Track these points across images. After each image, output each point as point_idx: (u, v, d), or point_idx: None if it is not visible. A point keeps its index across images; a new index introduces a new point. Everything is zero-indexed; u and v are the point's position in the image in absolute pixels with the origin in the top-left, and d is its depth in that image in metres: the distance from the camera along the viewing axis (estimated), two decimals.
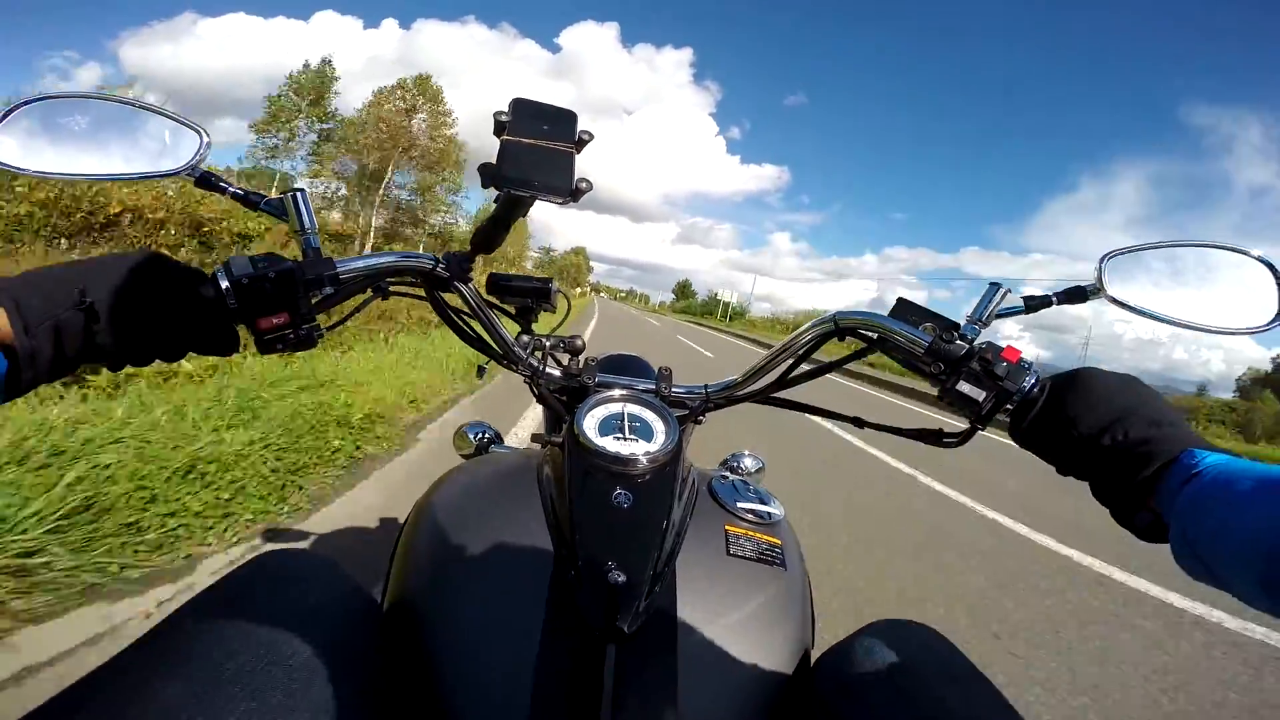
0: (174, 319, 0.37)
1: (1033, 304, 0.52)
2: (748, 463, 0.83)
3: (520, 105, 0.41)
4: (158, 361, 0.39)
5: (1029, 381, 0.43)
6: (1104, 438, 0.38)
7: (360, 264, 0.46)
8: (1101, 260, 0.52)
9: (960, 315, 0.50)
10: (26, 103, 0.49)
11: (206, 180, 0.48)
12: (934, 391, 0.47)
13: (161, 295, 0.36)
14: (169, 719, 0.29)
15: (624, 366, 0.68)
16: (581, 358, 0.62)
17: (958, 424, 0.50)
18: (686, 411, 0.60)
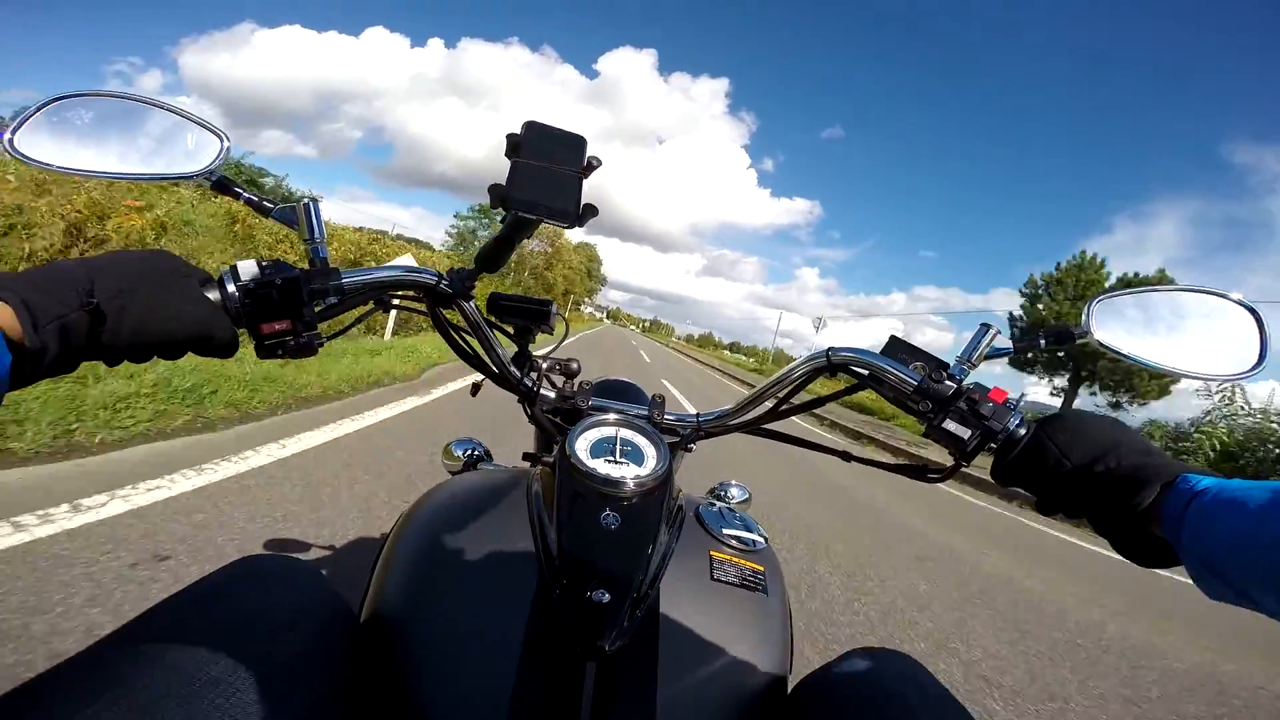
0: (181, 323, 0.37)
1: (1021, 345, 0.53)
2: (734, 492, 0.85)
3: (532, 128, 0.42)
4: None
5: (1013, 421, 0.44)
6: (1097, 466, 0.39)
7: (365, 276, 0.47)
8: (1090, 304, 0.53)
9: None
10: (53, 100, 0.51)
11: (222, 184, 0.49)
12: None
13: (167, 297, 0.37)
14: (151, 714, 0.28)
15: (618, 392, 0.69)
16: (576, 381, 0.62)
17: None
18: (677, 439, 0.60)
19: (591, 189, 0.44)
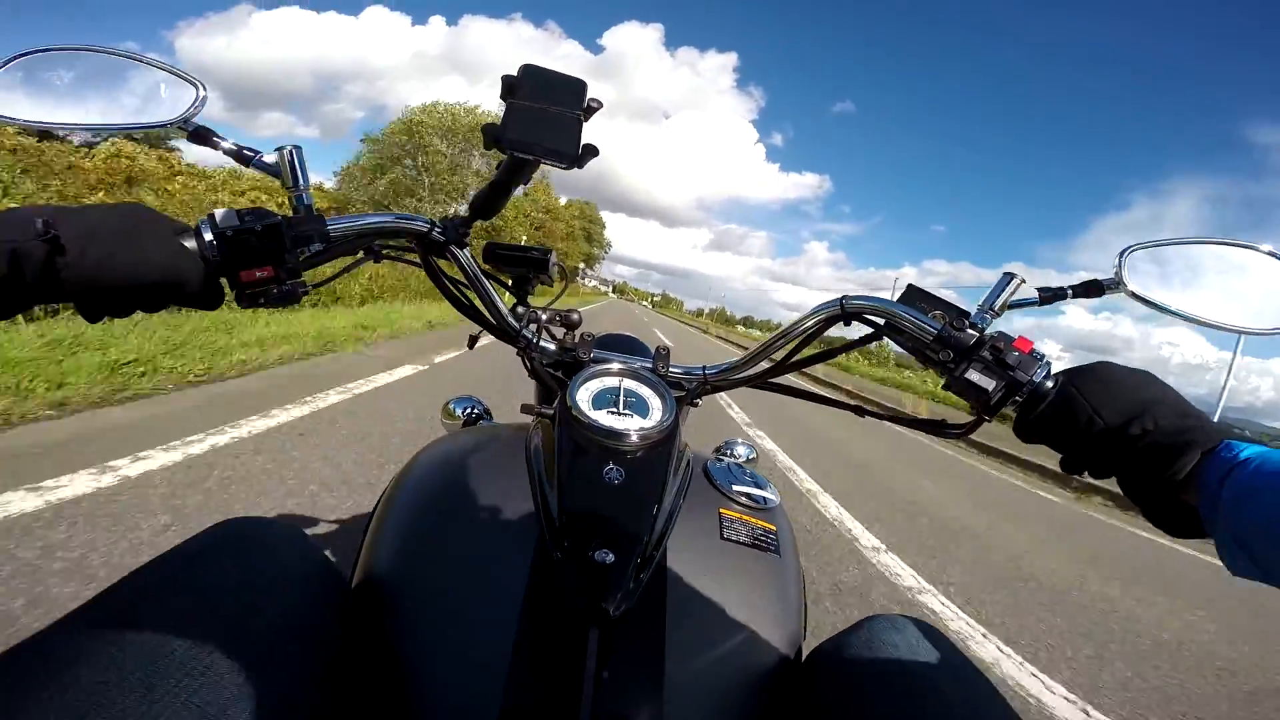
0: (152, 268, 0.35)
1: (1047, 296, 0.51)
2: (740, 450, 0.83)
3: (529, 70, 0.41)
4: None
5: (1040, 373, 0.41)
6: (1132, 426, 0.36)
7: (353, 223, 0.45)
8: (1121, 254, 0.51)
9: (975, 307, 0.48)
10: (23, 54, 0.49)
11: (200, 134, 0.47)
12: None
13: (136, 241, 0.35)
14: (111, 696, 0.26)
15: (620, 345, 0.66)
16: (577, 332, 0.60)
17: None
18: (683, 392, 0.58)
19: (598, 162, 0.42)
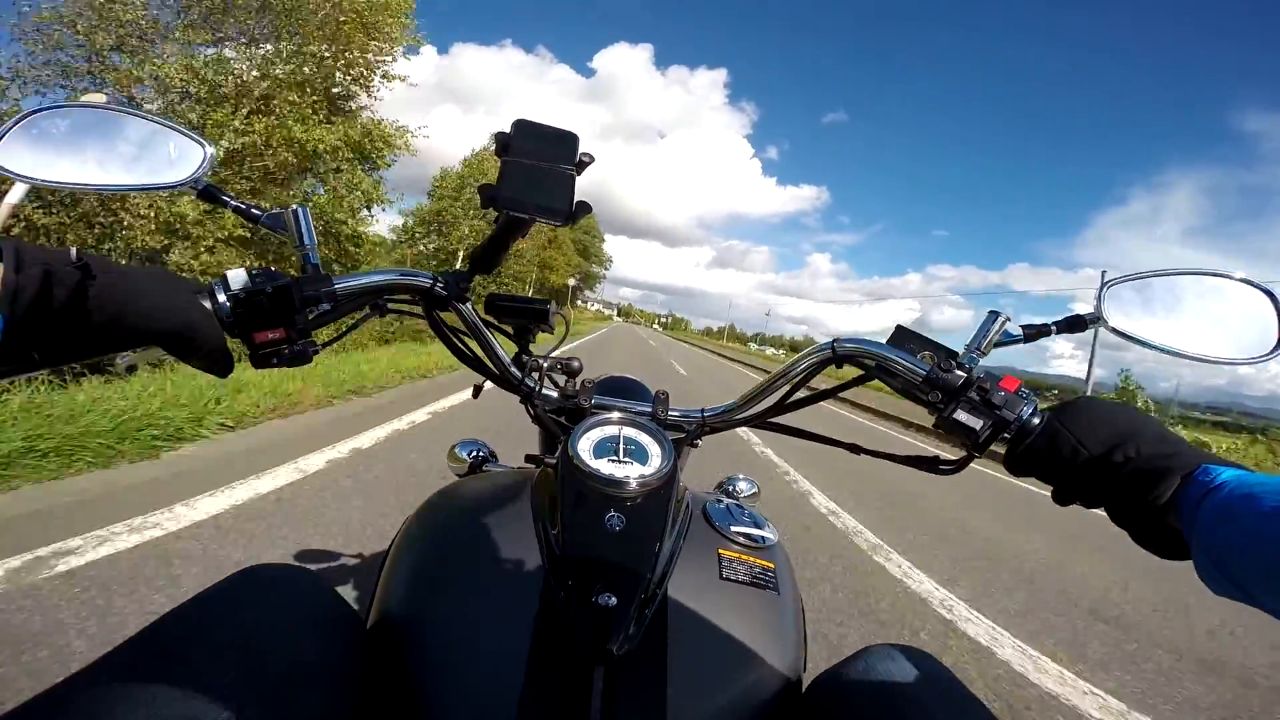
0: (172, 314, 0.36)
1: (1031, 333, 0.52)
2: (742, 485, 0.84)
3: (522, 126, 0.42)
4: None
5: (1026, 410, 0.43)
6: (1115, 454, 0.38)
7: (358, 281, 0.47)
8: (1101, 288, 0.52)
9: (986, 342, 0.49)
10: (33, 112, 0.50)
11: (209, 193, 0.48)
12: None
13: (159, 290, 0.36)
14: None
15: (621, 389, 0.68)
16: (578, 379, 0.62)
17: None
18: (683, 435, 0.60)
19: (596, 186, 0.43)
